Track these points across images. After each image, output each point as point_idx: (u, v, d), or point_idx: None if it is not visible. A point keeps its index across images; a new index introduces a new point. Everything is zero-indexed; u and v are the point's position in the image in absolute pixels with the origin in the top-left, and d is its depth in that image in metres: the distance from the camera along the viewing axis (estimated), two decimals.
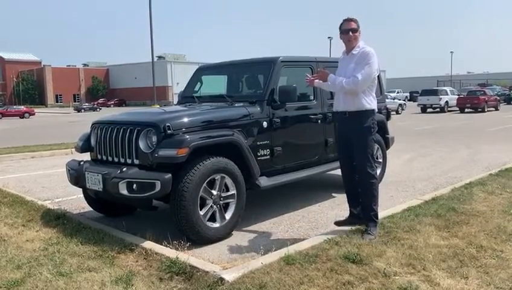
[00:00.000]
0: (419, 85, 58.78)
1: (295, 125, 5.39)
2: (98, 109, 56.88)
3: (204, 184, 4.25)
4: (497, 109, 31.98)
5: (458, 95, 33.72)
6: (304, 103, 5.48)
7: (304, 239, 4.39)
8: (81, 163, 4.74)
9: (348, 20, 4.26)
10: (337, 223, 4.50)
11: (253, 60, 5.73)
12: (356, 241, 3.92)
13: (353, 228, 4.31)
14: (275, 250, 3.84)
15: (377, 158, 6.61)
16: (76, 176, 4.66)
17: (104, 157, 4.73)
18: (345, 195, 6.16)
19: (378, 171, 6.69)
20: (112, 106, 68.91)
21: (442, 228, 4.30)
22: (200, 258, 3.88)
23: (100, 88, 79.63)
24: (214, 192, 4.37)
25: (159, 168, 4.21)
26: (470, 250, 3.78)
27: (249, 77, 5.80)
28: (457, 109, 30.97)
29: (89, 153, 5.08)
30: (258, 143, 4.91)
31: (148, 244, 4.04)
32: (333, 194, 6.31)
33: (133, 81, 75.90)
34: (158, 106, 32.33)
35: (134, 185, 4.08)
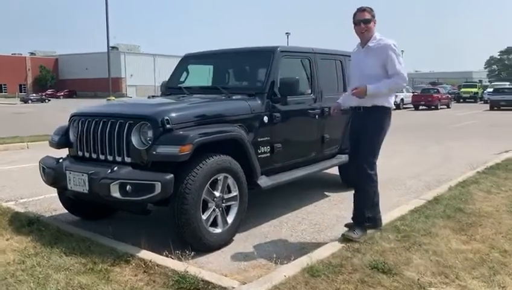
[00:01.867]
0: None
1: (295, 120, 5.03)
2: (46, 100, 54.00)
3: (207, 185, 3.80)
4: (448, 107, 33.08)
5: (412, 92, 34.60)
6: (302, 96, 5.12)
7: (312, 243, 4.08)
8: (60, 161, 4.15)
9: (360, 10, 3.94)
10: (348, 226, 4.18)
11: (248, 50, 5.29)
12: (378, 248, 3.63)
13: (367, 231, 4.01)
14: (294, 259, 3.46)
15: None
16: (55, 175, 4.07)
17: (87, 155, 4.16)
18: (339, 193, 5.98)
19: None
20: (61, 97, 65.67)
21: (458, 231, 4.10)
22: (206, 269, 3.45)
23: (49, 78, 75.67)
24: (217, 194, 3.93)
25: (155, 167, 3.72)
26: (495, 255, 3.57)
27: (244, 67, 5.35)
28: (412, 106, 31.74)
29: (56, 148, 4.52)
30: (259, 139, 4.50)
31: (146, 254, 3.55)
32: (326, 193, 6.02)
33: (84, 72, 72.68)
34: (114, 98, 31.13)
35: (129, 187, 3.57)
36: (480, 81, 54.39)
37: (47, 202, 5.62)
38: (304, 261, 3.34)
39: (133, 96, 66.09)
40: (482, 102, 39.26)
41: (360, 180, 4.00)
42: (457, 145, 11.28)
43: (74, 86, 72.96)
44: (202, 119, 4.05)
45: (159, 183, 3.49)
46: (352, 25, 3.98)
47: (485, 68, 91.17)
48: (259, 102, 4.56)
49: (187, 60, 5.72)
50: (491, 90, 36.17)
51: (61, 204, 5.23)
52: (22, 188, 6.43)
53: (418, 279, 3.10)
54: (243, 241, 4.19)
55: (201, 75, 5.72)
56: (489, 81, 64.31)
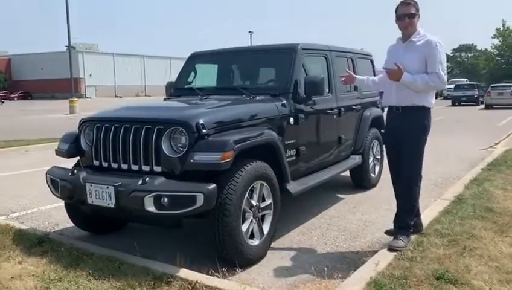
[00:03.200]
0: None
1: (317, 121, 4.81)
2: (0, 102, 51.24)
3: (246, 194, 3.50)
4: None
5: None
6: (323, 96, 4.87)
7: (351, 252, 3.87)
8: (75, 172, 3.71)
9: (404, 4, 3.73)
10: (389, 233, 3.99)
11: (264, 47, 5.01)
12: (432, 255, 3.45)
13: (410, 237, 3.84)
14: (353, 272, 3.23)
15: (375, 155, 6.28)
16: (72, 188, 3.62)
17: (105, 164, 3.76)
18: (352, 195, 5.81)
19: (377, 168, 6.37)
20: (15, 99, 62.36)
21: (499, 232, 3.99)
22: (254, 286, 3.16)
23: (1, 79, 72.01)
24: (254, 203, 3.64)
25: (188, 176, 3.38)
26: None
27: (261, 66, 5.05)
28: None
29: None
30: (286, 142, 4.23)
31: (187, 273, 3.21)
32: (339, 195, 5.83)
33: (40, 73, 69.49)
34: (76, 99, 29.84)
35: (166, 200, 3.21)
36: None
37: (43, 215, 5.14)
38: (364, 274, 3.11)
39: (93, 97, 64.10)
40: (442, 98, 40.47)
41: (406, 185, 3.81)
42: (440, 140, 11.35)
43: (29, 87, 69.70)
44: (234, 122, 3.74)
45: (201, 194, 3.15)
46: (395, 18, 3.78)
47: None
48: (284, 103, 4.30)
49: (194, 59, 5.35)
50: (451, 86, 37.35)
51: (61, 218, 4.87)
52: (9, 200, 5.88)
53: (490, 288, 2.94)
54: (277, 252, 3.92)
55: (210, 75, 5.37)
56: None
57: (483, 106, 29.01)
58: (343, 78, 4.27)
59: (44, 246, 3.78)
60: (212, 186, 3.21)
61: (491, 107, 26.88)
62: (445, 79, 3.68)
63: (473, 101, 30.77)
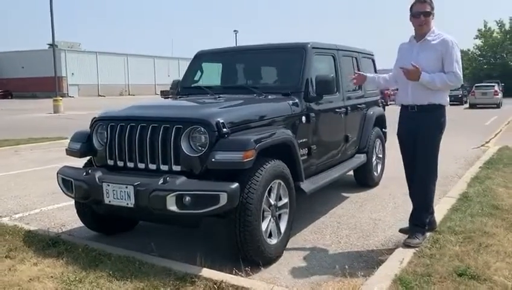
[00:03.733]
0: None
1: (327, 120, 4.82)
2: None
3: (266, 193, 3.50)
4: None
5: None
6: (332, 95, 4.89)
7: (367, 250, 3.90)
8: (90, 171, 3.65)
9: (420, 1, 3.75)
10: (403, 231, 4.02)
11: (274, 46, 5.00)
12: (450, 252, 3.49)
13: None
14: (376, 269, 3.24)
15: (378, 153, 6.33)
16: (87, 188, 3.55)
17: (120, 164, 3.71)
18: (356, 194, 5.85)
19: (380, 166, 6.43)
20: None
21: (511, 229, 4.05)
22: (279, 285, 3.15)
23: None
24: (272, 202, 3.63)
25: (207, 176, 3.36)
26: None
27: (271, 65, 5.04)
28: None
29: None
30: (299, 141, 4.24)
31: (211, 273, 3.18)
32: (343, 194, 5.86)
33: (20, 71, 68.22)
34: (60, 98, 29.35)
35: (188, 199, 3.18)
36: None
37: (48, 216, 5.05)
38: (388, 271, 3.13)
39: (75, 96, 63.25)
40: None
41: (421, 184, 3.84)
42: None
43: (9, 86, 68.25)
44: (251, 121, 3.73)
45: (225, 193, 3.13)
46: (409, 16, 3.81)
47: None
48: (296, 101, 4.30)
49: (201, 58, 5.31)
50: None
51: (66, 218, 4.83)
52: (10, 201, 5.75)
53: None
54: (293, 252, 3.92)
55: (218, 74, 5.33)
56: None
57: (467, 105, 29.56)
58: (355, 80, 4.30)
59: (58, 247, 3.71)
60: (235, 185, 3.19)
61: (475, 107, 27.40)
62: (462, 77, 3.72)
63: (458, 101, 31.27)
